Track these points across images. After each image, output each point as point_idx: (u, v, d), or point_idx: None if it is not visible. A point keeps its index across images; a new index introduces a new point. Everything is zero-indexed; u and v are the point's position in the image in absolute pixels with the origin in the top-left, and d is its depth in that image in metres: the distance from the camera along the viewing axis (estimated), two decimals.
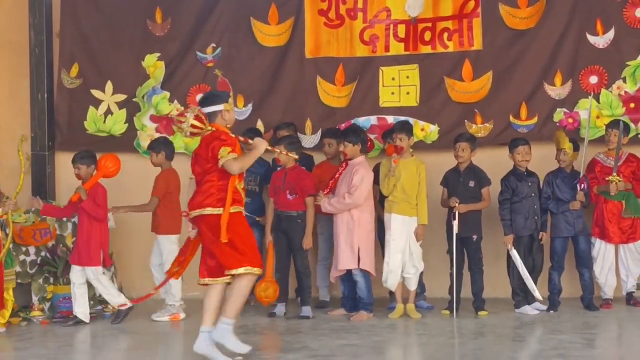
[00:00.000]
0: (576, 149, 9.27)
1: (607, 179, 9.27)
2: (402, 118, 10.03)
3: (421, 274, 9.30)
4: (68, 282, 9.23)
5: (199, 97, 8.23)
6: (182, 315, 9.14)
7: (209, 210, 7.00)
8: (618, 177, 9.24)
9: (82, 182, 8.98)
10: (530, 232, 9.13)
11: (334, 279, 9.37)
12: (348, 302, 9.26)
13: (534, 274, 9.15)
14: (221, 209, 6.95)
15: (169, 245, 9.10)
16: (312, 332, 8.35)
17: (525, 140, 9.31)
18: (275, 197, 9.14)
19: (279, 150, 8.23)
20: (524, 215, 9.10)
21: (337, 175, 9.09)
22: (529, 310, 9.04)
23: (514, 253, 9.04)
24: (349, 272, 9.07)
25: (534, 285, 9.01)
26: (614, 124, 9.43)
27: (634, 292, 9.41)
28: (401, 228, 8.96)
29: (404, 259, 8.97)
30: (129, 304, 8.87)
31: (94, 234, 8.86)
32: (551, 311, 9.06)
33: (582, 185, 9.10)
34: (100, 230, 8.91)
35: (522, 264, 9.00)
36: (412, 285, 9.06)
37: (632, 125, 9.78)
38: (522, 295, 9.10)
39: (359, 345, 7.71)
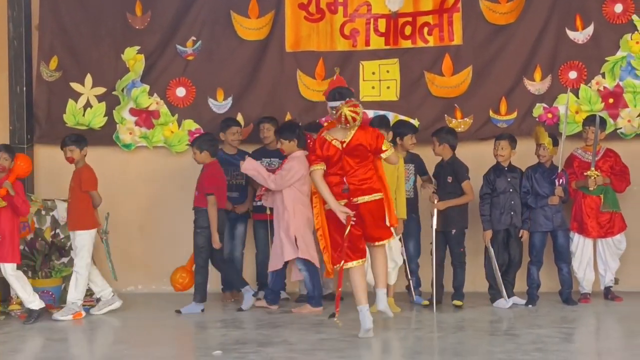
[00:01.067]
0: (555, 144, 9.30)
1: (585, 174, 9.27)
2: (382, 112, 10.06)
3: (418, 268, 9.39)
4: (47, 276, 9.22)
5: (333, 93, 8.24)
6: (116, 306, 9.16)
7: (378, 195, 7.74)
8: (596, 172, 9.23)
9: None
10: (506, 227, 9.16)
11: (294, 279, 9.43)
12: (270, 294, 9.28)
13: (512, 268, 9.20)
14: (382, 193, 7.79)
15: (82, 241, 9.01)
16: (291, 326, 8.35)
17: (507, 135, 9.35)
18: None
19: None
20: (499, 209, 9.13)
21: (277, 171, 9.23)
22: (503, 304, 9.06)
23: (490, 250, 9.08)
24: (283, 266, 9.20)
25: (502, 284, 9.05)
26: (590, 119, 9.45)
27: (612, 286, 9.44)
28: None
29: None
30: (42, 306, 8.78)
31: (15, 230, 8.80)
32: (529, 305, 9.10)
33: (561, 181, 9.13)
34: (18, 226, 8.89)
35: (495, 261, 9.04)
36: (392, 280, 9.06)
37: (610, 121, 9.84)
38: (497, 289, 9.14)
39: (338, 340, 7.71)
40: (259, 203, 9.70)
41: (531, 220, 9.25)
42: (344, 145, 7.73)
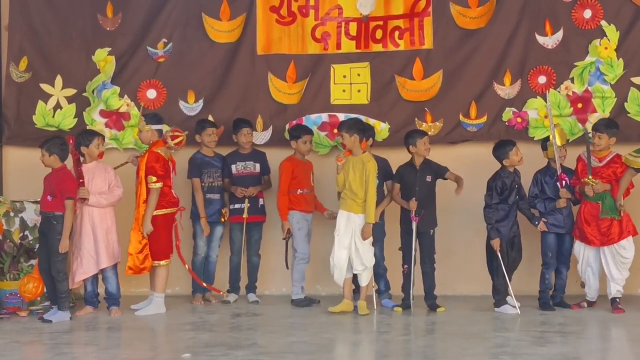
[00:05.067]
0: (544, 147, 9.34)
1: (582, 180, 9.06)
2: (353, 115, 10.09)
3: (385, 272, 9.42)
4: (15, 278, 9.17)
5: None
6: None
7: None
8: (593, 180, 8.96)
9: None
10: (512, 236, 9.16)
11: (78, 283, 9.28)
12: (93, 298, 9.25)
13: (512, 269, 9.20)
14: None
15: None
16: (261, 329, 8.36)
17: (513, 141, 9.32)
18: (42, 197, 9.01)
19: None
20: (508, 220, 9.11)
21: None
22: (509, 309, 9.04)
23: (499, 257, 9.06)
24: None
25: (510, 289, 9.09)
26: (600, 124, 9.25)
27: (618, 298, 9.03)
28: (345, 224, 9.00)
29: (351, 256, 9.01)
30: None
31: None
32: (546, 311, 9.06)
33: (563, 182, 9.07)
34: None
35: (504, 267, 9.04)
36: (363, 282, 9.09)
37: (579, 126, 9.92)
38: (503, 294, 9.11)
39: (308, 343, 7.72)
40: (236, 206, 9.73)
41: (547, 223, 9.18)
42: None
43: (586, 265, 9.17)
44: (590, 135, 9.24)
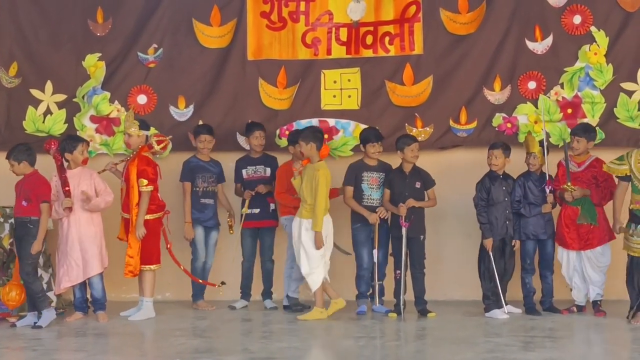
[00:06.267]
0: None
1: (561, 186, 9.09)
2: (344, 121, 10.12)
3: (382, 276, 9.40)
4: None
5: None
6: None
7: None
8: (572, 186, 8.97)
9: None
10: (502, 237, 9.17)
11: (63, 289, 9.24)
12: (82, 304, 9.21)
13: (506, 277, 9.22)
14: None
15: None
16: (251, 335, 8.36)
17: (500, 143, 9.35)
18: (15, 203, 8.98)
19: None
20: (495, 219, 9.13)
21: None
22: (499, 314, 9.06)
23: (491, 258, 9.08)
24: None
25: (501, 293, 9.09)
26: (579, 128, 9.34)
27: (599, 300, 9.12)
28: (297, 230, 9.09)
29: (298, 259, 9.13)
30: None
31: None
32: (532, 315, 9.07)
33: (550, 187, 9.10)
34: None
35: (495, 270, 9.07)
36: (312, 287, 9.09)
37: (568, 130, 9.95)
38: (492, 299, 9.13)
39: (299, 348, 7.73)
40: (247, 211, 9.73)
41: (522, 228, 9.21)
42: None
43: (572, 269, 9.21)
44: (568, 141, 9.28)
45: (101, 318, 9.03)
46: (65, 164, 9.12)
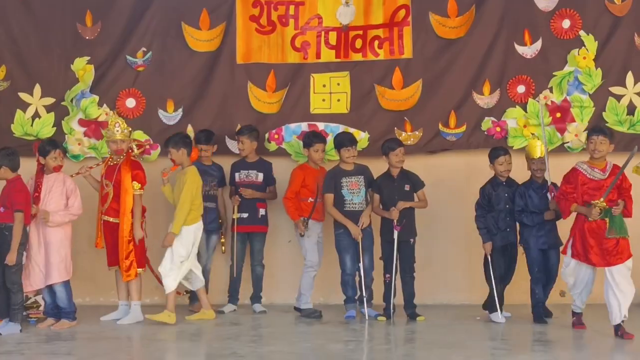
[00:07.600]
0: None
1: (592, 202, 8.13)
2: (333, 125, 10.11)
3: (370, 280, 9.35)
4: None
5: None
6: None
7: None
8: (604, 204, 8.08)
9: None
10: (504, 244, 9.09)
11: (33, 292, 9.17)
12: (53, 309, 9.07)
13: (504, 282, 9.17)
14: None
15: None
16: (241, 339, 8.33)
17: (505, 149, 9.32)
18: None
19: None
20: (496, 226, 9.05)
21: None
22: (499, 318, 9.00)
23: (491, 262, 9.05)
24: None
25: (498, 297, 9.01)
26: (597, 129, 8.50)
27: (622, 321, 8.16)
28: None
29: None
30: None
31: None
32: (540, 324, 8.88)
33: (553, 194, 8.82)
34: None
35: (494, 274, 9.05)
36: (167, 289, 9.10)
37: (558, 135, 9.98)
38: (492, 302, 9.08)
39: (288, 352, 7.71)
40: (239, 215, 9.72)
41: (525, 237, 8.98)
42: None
43: (584, 286, 8.41)
44: (597, 138, 8.29)
45: (59, 325, 8.86)
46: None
